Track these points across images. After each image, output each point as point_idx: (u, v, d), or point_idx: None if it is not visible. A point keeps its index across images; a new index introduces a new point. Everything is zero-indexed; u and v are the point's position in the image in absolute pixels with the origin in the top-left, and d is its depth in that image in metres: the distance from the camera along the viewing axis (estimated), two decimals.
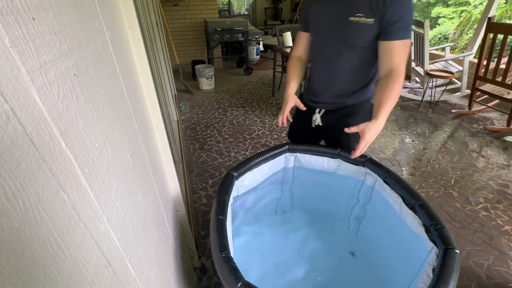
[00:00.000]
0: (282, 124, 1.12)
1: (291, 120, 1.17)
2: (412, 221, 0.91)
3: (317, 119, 1.14)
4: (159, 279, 0.61)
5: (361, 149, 0.94)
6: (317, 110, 1.14)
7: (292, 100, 1.08)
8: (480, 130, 2.71)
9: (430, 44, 3.03)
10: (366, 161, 1.12)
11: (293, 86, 1.10)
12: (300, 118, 1.22)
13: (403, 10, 0.85)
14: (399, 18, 0.85)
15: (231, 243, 0.81)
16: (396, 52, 0.89)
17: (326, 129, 1.16)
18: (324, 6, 0.96)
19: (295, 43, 1.15)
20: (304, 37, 1.10)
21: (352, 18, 0.89)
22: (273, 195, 1.36)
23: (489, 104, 3.02)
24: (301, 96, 1.19)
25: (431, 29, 10.03)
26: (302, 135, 1.26)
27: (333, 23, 0.95)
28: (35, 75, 0.25)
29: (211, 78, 3.64)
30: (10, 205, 0.19)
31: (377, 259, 1.22)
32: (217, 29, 3.93)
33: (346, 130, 0.93)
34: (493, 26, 2.49)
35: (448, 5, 9.96)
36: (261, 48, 5.00)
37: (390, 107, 0.89)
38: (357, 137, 0.96)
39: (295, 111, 1.21)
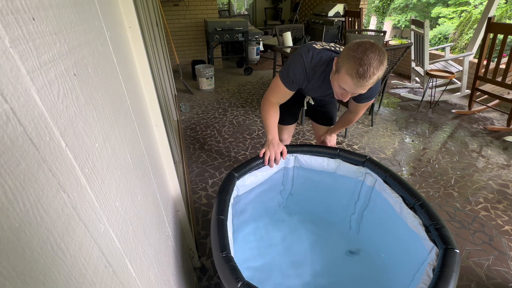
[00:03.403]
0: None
1: (278, 163, 1.16)
2: (412, 221, 0.91)
3: (310, 99, 1.40)
4: (159, 279, 0.61)
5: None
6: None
7: (281, 147, 1.14)
8: (480, 130, 2.71)
9: (430, 44, 3.04)
10: (366, 161, 1.12)
11: (277, 132, 1.17)
12: (290, 101, 1.27)
13: (372, 90, 1.10)
14: (369, 95, 1.12)
15: (231, 243, 0.82)
16: (361, 108, 1.23)
17: (316, 106, 1.46)
18: (320, 84, 1.13)
19: (276, 92, 1.15)
20: (288, 93, 1.16)
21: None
22: (273, 195, 1.37)
23: (489, 104, 3.02)
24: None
25: (431, 29, 10.02)
26: (291, 114, 1.49)
27: (322, 94, 1.22)
28: (35, 75, 0.25)
29: (211, 78, 3.63)
30: (10, 205, 0.19)
31: (377, 259, 1.22)
32: (217, 29, 3.93)
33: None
34: (493, 26, 2.49)
35: (448, 5, 9.96)
36: (261, 48, 5.00)
37: (342, 129, 1.46)
38: (336, 109, 1.49)
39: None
